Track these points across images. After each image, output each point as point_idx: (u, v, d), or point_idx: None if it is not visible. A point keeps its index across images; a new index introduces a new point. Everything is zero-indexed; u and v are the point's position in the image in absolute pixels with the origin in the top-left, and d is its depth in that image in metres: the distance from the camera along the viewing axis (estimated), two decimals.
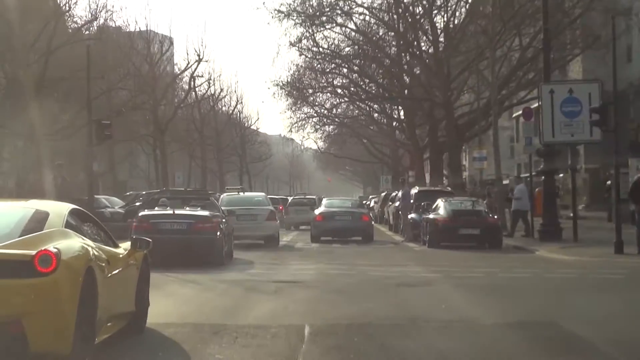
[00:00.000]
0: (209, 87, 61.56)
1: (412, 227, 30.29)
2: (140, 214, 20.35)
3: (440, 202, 28.04)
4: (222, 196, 30.31)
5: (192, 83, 56.48)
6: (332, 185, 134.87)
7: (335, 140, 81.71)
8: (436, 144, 49.69)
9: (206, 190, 39.77)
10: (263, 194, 33.74)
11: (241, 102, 76.45)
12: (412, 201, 31.22)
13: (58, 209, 8.69)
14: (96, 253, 8.35)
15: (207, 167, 75.38)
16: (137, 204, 35.61)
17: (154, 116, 48.13)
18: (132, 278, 9.92)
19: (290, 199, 49.76)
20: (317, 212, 32.18)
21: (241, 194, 31.73)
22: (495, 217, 27.96)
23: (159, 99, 48.32)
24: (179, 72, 55.85)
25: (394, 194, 43.84)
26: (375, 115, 67.48)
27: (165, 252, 16.99)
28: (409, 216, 31.05)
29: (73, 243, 8.00)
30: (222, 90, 67.44)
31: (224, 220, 21.41)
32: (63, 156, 35.45)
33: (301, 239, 32.44)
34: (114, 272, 8.93)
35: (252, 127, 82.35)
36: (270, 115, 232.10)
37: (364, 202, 56.18)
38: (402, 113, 62.99)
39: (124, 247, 9.88)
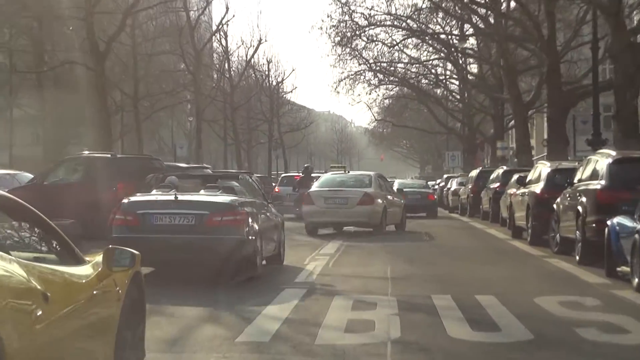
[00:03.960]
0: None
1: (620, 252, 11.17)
2: (125, 201, 13.15)
3: None
4: (322, 175, 28.83)
5: None
6: (384, 164, 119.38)
7: (393, 108, 65.84)
8: (557, 93, 31.91)
9: (153, 156, 24.07)
10: (373, 173, 27.41)
11: (266, 40, 58.24)
12: None
13: None
14: (15, 280, 4.32)
15: (228, 136, 58.34)
16: (35, 181, 22.45)
17: (89, 32, 28.79)
18: (107, 320, 5.64)
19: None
20: None
21: (346, 172, 29.31)
22: None
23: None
24: None
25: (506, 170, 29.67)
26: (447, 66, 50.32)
27: (161, 262, 12.36)
28: (613, 221, 11.82)
29: None
30: (227, 10, 48.75)
31: (263, 210, 14.18)
32: None
33: None
34: (63, 314, 4.82)
35: (285, 81, 65.00)
36: (314, 88, 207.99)
37: (429, 182, 50.56)
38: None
39: (95, 261, 5.68)
